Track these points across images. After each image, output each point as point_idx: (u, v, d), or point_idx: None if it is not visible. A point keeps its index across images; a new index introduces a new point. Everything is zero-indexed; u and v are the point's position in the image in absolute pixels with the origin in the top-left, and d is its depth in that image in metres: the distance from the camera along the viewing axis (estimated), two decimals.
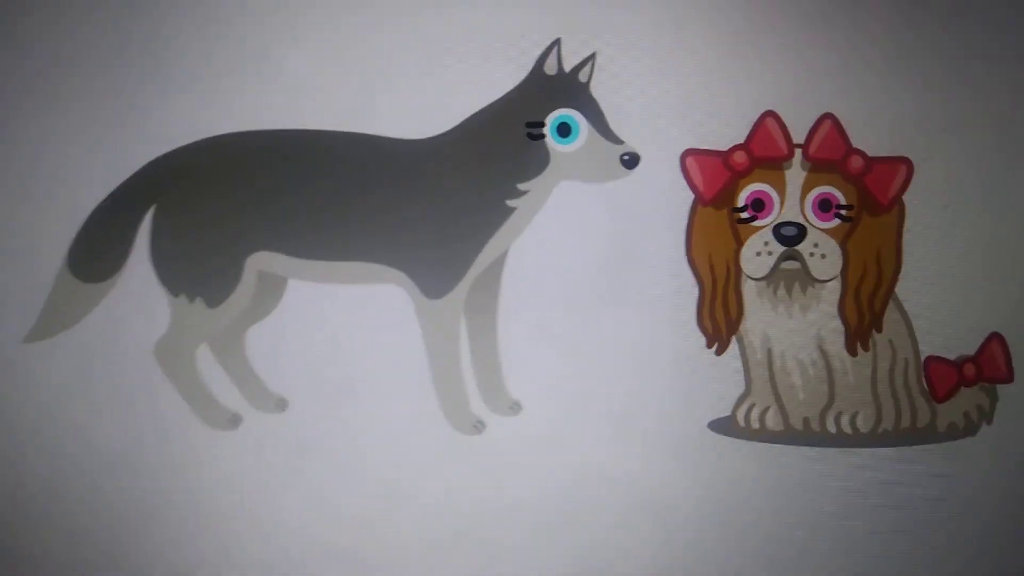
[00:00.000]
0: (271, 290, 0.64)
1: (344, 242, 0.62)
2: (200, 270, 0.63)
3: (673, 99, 0.63)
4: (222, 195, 0.63)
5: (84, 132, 0.63)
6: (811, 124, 0.63)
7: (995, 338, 0.64)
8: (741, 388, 0.65)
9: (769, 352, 0.64)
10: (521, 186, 0.62)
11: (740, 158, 0.63)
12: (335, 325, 0.63)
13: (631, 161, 0.62)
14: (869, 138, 0.62)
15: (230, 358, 0.64)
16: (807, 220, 0.62)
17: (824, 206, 0.63)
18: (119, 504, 0.64)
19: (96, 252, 0.63)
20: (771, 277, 0.63)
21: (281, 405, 0.64)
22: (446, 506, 0.64)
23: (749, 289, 0.64)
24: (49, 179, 0.63)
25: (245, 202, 0.62)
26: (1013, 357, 0.64)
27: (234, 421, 0.64)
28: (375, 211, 0.62)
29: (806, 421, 0.65)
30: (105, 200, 0.63)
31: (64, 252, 0.63)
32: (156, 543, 0.64)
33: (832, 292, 0.63)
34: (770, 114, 0.63)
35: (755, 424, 0.64)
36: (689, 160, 0.63)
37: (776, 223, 0.63)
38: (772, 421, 0.65)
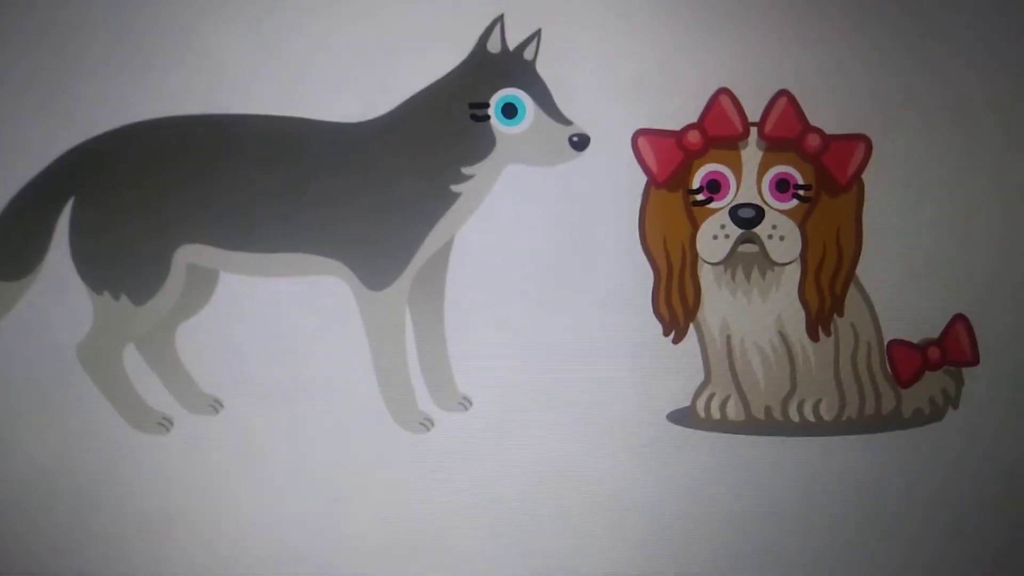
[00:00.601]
0: (201, 285, 0.61)
1: (278, 232, 0.60)
2: (124, 265, 0.60)
3: (624, 77, 0.61)
4: (147, 185, 0.60)
5: (2, 120, 0.59)
6: (766, 101, 0.60)
7: (959, 320, 0.63)
8: (700, 377, 0.63)
9: (728, 339, 0.63)
10: (466, 170, 0.60)
11: (694, 138, 0.61)
12: (271, 320, 0.61)
13: (580, 143, 0.60)
14: (826, 115, 0.61)
15: (159, 358, 0.62)
16: (764, 201, 0.61)
17: (782, 186, 0.61)
18: (42, 516, 0.62)
19: (12, 247, 0.61)
20: (729, 261, 0.62)
21: (215, 406, 0.61)
22: (394, 507, 0.63)
23: (706, 274, 0.62)
24: None
25: (171, 192, 0.60)
26: (979, 339, 0.63)
27: (165, 424, 0.61)
28: (311, 198, 0.60)
29: (768, 410, 0.63)
30: (20, 192, 0.61)
31: None
32: (83, 556, 0.62)
33: (792, 276, 0.62)
34: (724, 91, 0.61)
35: (715, 414, 0.63)
36: (641, 140, 0.61)
37: (733, 205, 0.61)
38: (733, 411, 0.63)
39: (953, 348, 0.63)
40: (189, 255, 0.60)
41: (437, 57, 0.60)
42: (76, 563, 0.62)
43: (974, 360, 0.63)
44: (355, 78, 0.60)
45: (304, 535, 0.62)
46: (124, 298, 0.60)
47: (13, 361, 0.61)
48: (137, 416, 0.61)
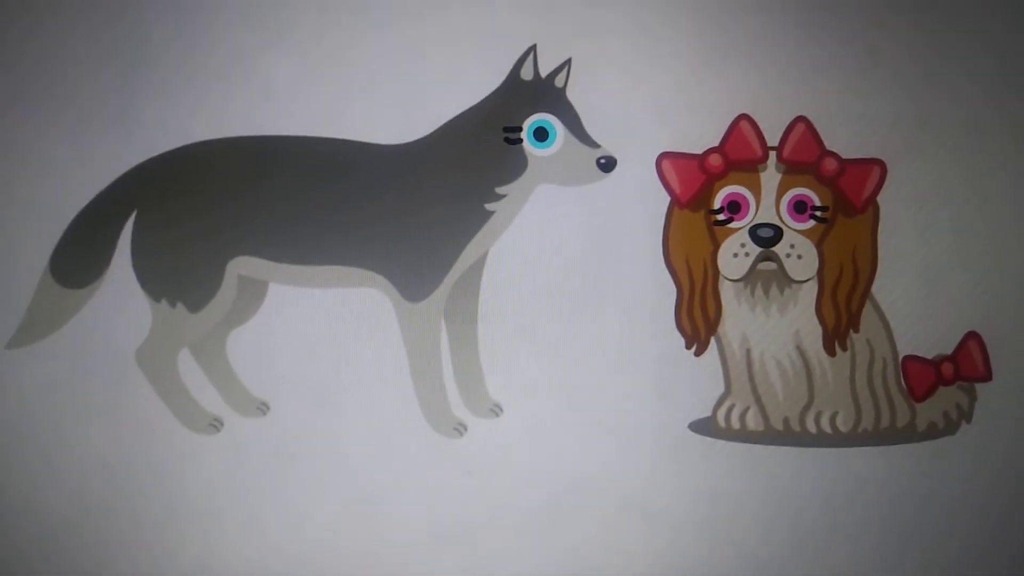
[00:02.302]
0: (252, 294, 0.66)
1: (324, 246, 0.65)
2: (181, 275, 0.65)
3: (648, 103, 0.65)
4: (203, 201, 0.65)
5: (69, 137, 0.66)
6: (784, 126, 0.64)
7: (972, 337, 0.66)
8: (721, 389, 0.66)
9: (748, 353, 0.66)
10: (499, 190, 0.64)
11: (715, 161, 0.65)
12: (316, 329, 0.65)
13: (607, 165, 0.64)
14: (843, 139, 0.65)
15: (211, 362, 0.66)
16: (783, 221, 0.65)
17: (799, 207, 0.65)
18: (99, 509, 0.66)
19: (78, 258, 0.66)
20: (748, 278, 0.65)
21: (263, 409, 0.66)
22: (427, 510, 0.66)
23: (727, 290, 0.66)
24: (32, 184, 0.66)
25: (226, 207, 0.65)
26: (991, 356, 0.66)
27: (215, 425, 0.65)
28: (354, 215, 0.65)
29: (786, 421, 0.66)
30: (87, 206, 0.66)
31: (46, 257, 0.66)
32: (136, 548, 0.67)
33: (809, 293, 0.65)
34: (744, 117, 0.65)
35: (735, 424, 0.66)
36: (665, 163, 0.65)
37: (752, 225, 0.65)
38: (752, 421, 0.66)
39: (966, 364, 0.66)
40: (241, 267, 0.65)
41: (472, 82, 0.65)
42: (130, 554, 0.66)
43: (987, 376, 0.66)
44: (396, 102, 0.65)
45: (341, 533, 0.66)
46: (180, 306, 0.65)
47: (77, 364, 0.66)
48: (190, 417, 0.66)
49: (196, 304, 0.65)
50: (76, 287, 0.66)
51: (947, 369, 0.66)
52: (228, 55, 0.65)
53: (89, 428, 0.66)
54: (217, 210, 0.65)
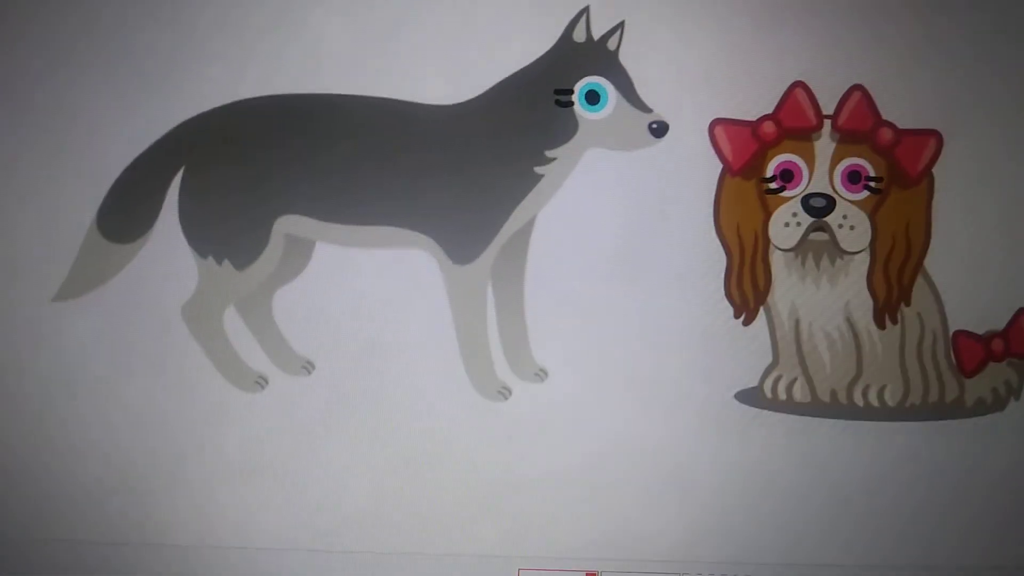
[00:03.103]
0: (299, 253, 0.66)
1: (372, 206, 0.65)
2: (228, 232, 0.66)
3: (702, 68, 0.65)
4: (251, 158, 0.65)
5: (117, 93, 0.66)
6: (840, 95, 0.64)
7: (1023, 314, 0.65)
8: (768, 359, 0.66)
9: (797, 324, 0.66)
10: (549, 153, 0.64)
11: (769, 128, 0.65)
12: (362, 289, 0.66)
13: (659, 130, 0.64)
14: (899, 110, 0.64)
15: (257, 320, 0.67)
16: (836, 192, 0.64)
17: (853, 178, 0.64)
18: (144, 463, 0.67)
19: (125, 213, 0.66)
20: (799, 248, 0.65)
21: (308, 368, 0.66)
22: (470, 473, 0.67)
23: (777, 260, 0.66)
24: (80, 139, 0.66)
25: (274, 166, 0.65)
26: None
27: (260, 383, 0.66)
28: (403, 176, 0.65)
29: (833, 393, 0.66)
30: (135, 161, 0.66)
31: (94, 212, 0.66)
32: (179, 503, 0.67)
33: (860, 265, 0.65)
34: (799, 84, 0.65)
35: (782, 396, 0.66)
36: (718, 130, 0.65)
37: (805, 194, 0.65)
38: (799, 393, 0.66)
39: (1017, 341, 0.66)
40: (288, 225, 0.65)
41: (524, 44, 0.65)
42: (170, 511, 0.67)
43: None
44: (446, 63, 0.65)
45: (382, 495, 0.67)
46: (227, 263, 0.65)
47: (122, 319, 0.66)
48: (235, 374, 0.67)
49: (242, 262, 0.65)
50: (123, 242, 0.66)
51: (997, 345, 0.66)
52: (276, 11, 0.65)
53: (133, 384, 0.66)
54: (265, 168, 0.65)
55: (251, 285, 0.66)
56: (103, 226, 0.66)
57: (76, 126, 0.66)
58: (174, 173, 0.65)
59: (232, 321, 0.66)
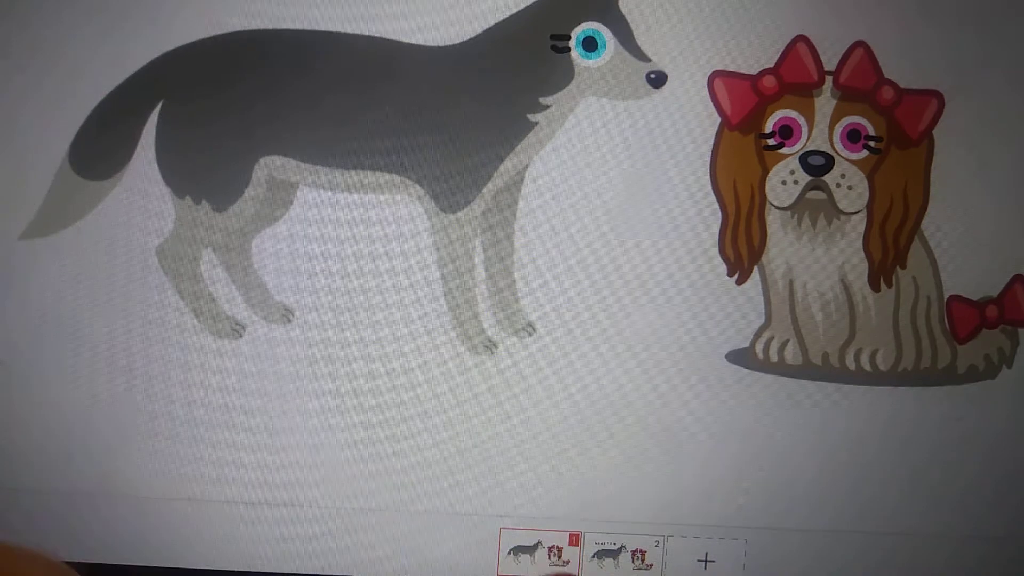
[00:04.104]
0: (280, 196, 0.64)
1: (358, 150, 0.64)
2: (207, 172, 0.64)
3: (703, 18, 0.65)
4: (233, 95, 0.63)
5: (89, 23, 0.63)
6: (843, 51, 0.63)
7: (1019, 280, 0.66)
8: (761, 319, 0.65)
9: (791, 284, 0.65)
10: (544, 100, 0.63)
11: (769, 83, 0.64)
12: (346, 236, 0.64)
13: (658, 80, 0.62)
14: (901, 68, 0.64)
15: (236, 265, 0.65)
16: (835, 150, 0.64)
17: (853, 136, 0.64)
18: (116, 408, 0.65)
19: (99, 149, 0.64)
20: (796, 207, 0.64)
21: (287, 316, 0.64)
22: (453, 429, 0.66)
23: (773, 218, 0.65)
24: (51, 70, 0.63)
25: (256, 104, 0.63)
26: None
27: (237, 330, 0.64)
28: (392, 119, 0.63)
29: (825, 356, 0.66)
30: (110, 94, 0.64)
31: (66, 146, 0.63)
32: (153, 450, 0.66)
33: (857, 226, 0.65)
34: (801, 39, 0.64)
35: (774, 357, 0.65)
36: (717, 82, 0.64)
37: (803, 152, 0.64)
38: (791, 355, 0.66)
39: (1011, 307, 0.66)
40: (270, 166, 0.64)
41: None
42: (143, 456, 0.65)
43: None
44: (442, 3, 0.63)
45: (361, 448, 0.66)
46: (205, 204, 0.63)
47: (95, 259, 0.64)
48: (212, 320, 0.65)
49: (222, 203, 0.63)
50: (96, 179, 0.64)
51: (991, 312, 0.66)
52: None
53: (106, 326, 0.64)
54: (248, 106, 0.63)
55: (230, 228, 0.64)
56: (76, 162, 0.63)
57: (48, 57, 0.63)
58: (151, 108, 0.63)
59: (210, 265, 0.65)
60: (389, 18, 0.63)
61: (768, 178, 0.64)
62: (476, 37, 0.63)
